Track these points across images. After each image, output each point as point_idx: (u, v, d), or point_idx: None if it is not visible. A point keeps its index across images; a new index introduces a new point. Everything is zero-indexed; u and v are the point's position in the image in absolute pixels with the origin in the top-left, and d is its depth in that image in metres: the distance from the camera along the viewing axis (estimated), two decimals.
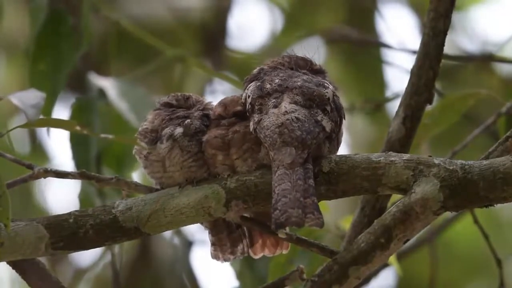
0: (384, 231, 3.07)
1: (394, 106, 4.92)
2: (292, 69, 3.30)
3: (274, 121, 3.10)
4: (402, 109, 3.59)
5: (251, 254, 3.31)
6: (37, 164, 3.26)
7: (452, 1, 3.54)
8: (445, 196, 3.04)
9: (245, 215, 3.22)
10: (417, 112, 3.58)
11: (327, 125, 3.13)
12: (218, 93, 6.03)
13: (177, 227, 3.20)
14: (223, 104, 3.24)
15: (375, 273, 4.71)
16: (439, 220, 4.71)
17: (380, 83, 6.03)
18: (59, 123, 3.14)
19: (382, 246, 3.07)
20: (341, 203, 4.27)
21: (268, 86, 3.20)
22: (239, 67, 5.93)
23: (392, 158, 3.09)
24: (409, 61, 5.01)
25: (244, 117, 3.20)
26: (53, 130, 4.56)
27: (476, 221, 4.11)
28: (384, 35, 5.87)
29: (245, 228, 3.30)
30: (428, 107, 3.63)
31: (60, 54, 4.60)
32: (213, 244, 3.32)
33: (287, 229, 3.07)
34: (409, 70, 3.59)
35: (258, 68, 3.32)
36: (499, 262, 4.06)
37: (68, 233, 3.13)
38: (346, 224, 4.03)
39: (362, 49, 5.99)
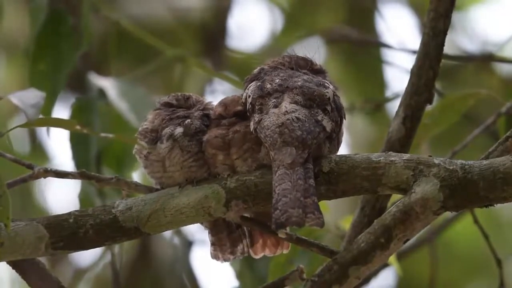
0: (384, 231, 3.07)
1: (394, 106, 4.92)
2: (292, 69, 3.30)
3: (275, 121, 3.10)
4: (402, 109, 3.59)
5: (252, 254, 3.31)
6: (37, 164, 3.26)
7: (452, 1, 3.54)
8: (445, 196, 3.04)
9: (245, 215, 3.22)
10: (417, 112, 3.58)
11: (328, 125, 3.13)
12: (218, 93, 6.04)
13: (177, 227, 3.20)
14: (223, 104, 3.24)
15: (375, 273, 4.71)
16: (439, 220, 4.71)
17: (380, 83, 6.03)
18: (59, 123, 3.14)
19: (382, 246, 3.07)
20: (341, 203, 4.28)
21: (268, 86, 3.20)
22: (239, 67, 5.93)
23: (392, 158, 3.09)
24: (409, 61, 5.01)
25: (245, 117, 3.20)
26: (53, 130, 4.56)
27: (476, 221, 4.11)
28: (384, 35, 5.88)
29: (245, 228, 3.30)
30: (428, 107, 3.63)
31: (60, 54, 4.60)
32: (212, 244, 3.32)
33: (287, 229, 3.07)
34: (409, 70, 3.59)
35: (258, 68, 3.32)
36: (499, 262, 4.06)
37: (68, 233, 3.13)
38: (346, 224, 4.03)
39: (362, 49, 5.99)
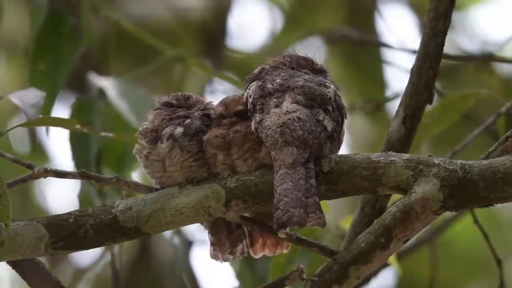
0: (384, 231, 3.07)
1: (394, 106, 4.91)
2: (293, 68, 3.30)
3: (276, 121, 3.10)
4: (402, 109, 3.59)
5: (252, 253, 3.31)
6: (37, 164, 3.26)
7: (452, 1, 3.54)
8: (445, 196, 3.04)
9: (245, 215, 3.22)
10: (417, 112, 3.58)
11: (329, 124, 3.12)
12: (218, 93, 6.04)
13: (177, 227, 3.20)
14: (224, 103, 3.24)
15: (375, 273, 4.71)
16: (439, 220, 4.71)
17: (380, 83, 6.03)
18: (59, 122, 3.14)
19: (382, 246, 3.07)
20: (341, 203, 4.27)
21: (269, 85, 3.20)
22: (239, 67, 5.93)
23: (392, 158, 3.09)
24: (409, 61, 5.01)
25: (245, 117, 3.19)
26: (53, 130, 4.56)
27: (476, 221, 4.11)
28: (384, 35, 5.88)
29: (245, 228, 3.30)
30: (428, 107, 3.63)
31: (60, 54, 4.60)
32: (212, 244, 3.32)
33: (287, 228, 3.07)
34: (409, 70, 3.59)
35: (259, 67, 3.32)
36: (499, 262, 4.06)
37: (68, 233, 3.13)
38: (346, 224, 4.03)
39: (362, 49, 5.99)
